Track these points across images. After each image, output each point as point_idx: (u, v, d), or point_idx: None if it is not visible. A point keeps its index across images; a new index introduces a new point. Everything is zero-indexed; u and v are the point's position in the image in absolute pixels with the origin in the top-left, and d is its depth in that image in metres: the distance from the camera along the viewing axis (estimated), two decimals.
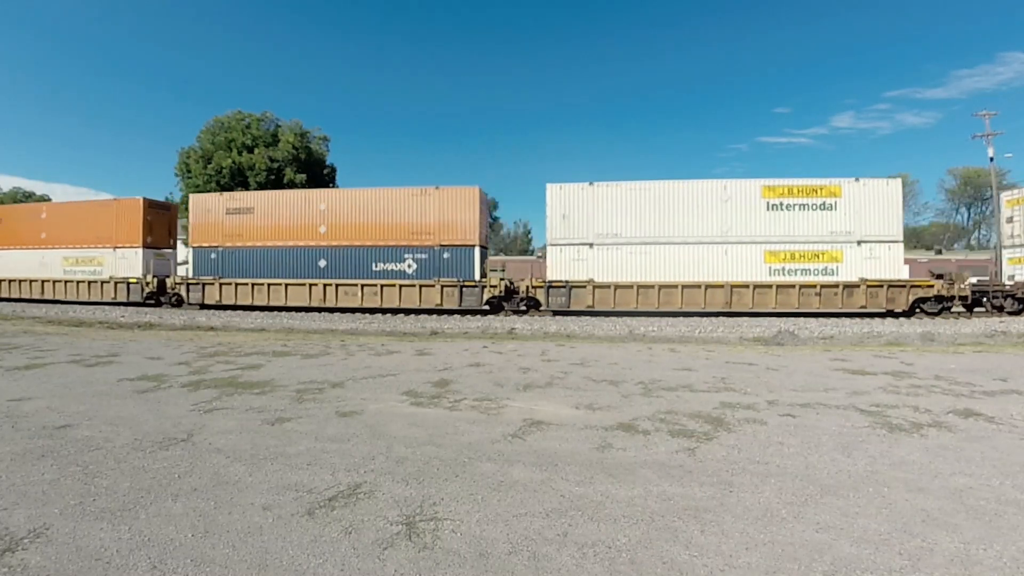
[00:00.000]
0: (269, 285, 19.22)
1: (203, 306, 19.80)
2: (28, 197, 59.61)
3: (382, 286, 18.43)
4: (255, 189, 32.27)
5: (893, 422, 5.10)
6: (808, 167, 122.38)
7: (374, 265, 18.66)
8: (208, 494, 3.34)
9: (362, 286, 18.61)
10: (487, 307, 18.29)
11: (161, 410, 5.46)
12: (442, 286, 18.10)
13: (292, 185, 32.63)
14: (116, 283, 20.87)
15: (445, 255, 18.21)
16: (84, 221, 21.62)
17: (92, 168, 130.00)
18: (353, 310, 18.97)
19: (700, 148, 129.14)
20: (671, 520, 3.01)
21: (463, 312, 18.34)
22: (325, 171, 37.85)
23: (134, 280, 20.64)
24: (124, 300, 20.80)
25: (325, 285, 18.83)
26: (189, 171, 34.70)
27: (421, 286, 18.21)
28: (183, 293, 20.07)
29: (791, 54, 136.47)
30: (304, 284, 18.98)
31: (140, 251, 20.71)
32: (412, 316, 18.23)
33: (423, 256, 18.34)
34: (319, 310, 19.06)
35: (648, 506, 3.21)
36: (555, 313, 17.95)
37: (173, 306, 20.36)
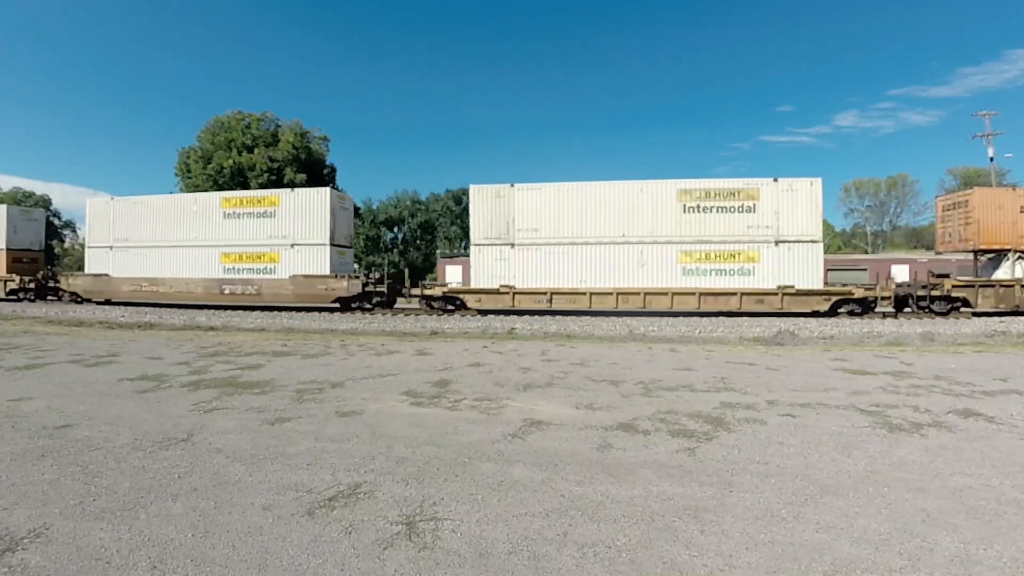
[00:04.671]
0: None
1: None
2: (28, 197, 59.53)
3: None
4: (256, 189, 31.91)
5: (893, 422, 5.10)
6: (810, 166, 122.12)
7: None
8: (208, 494, 3.35)
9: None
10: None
11: (161, 410, 5.46)
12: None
13: (292, 185, 32.45)
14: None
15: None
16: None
17: (92, 168, 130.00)
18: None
19: (703, 147, 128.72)
20: (671, 520, 3.02)
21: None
22: (325, 171, 37.87)
23: None
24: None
25: None
26: (189, 171, 34.74)
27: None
28: None
29: (795, 52, 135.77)
30: None
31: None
32: (412, 316, 17.67)
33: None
34: None
35: (648, 506, 3.21)
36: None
37: None
